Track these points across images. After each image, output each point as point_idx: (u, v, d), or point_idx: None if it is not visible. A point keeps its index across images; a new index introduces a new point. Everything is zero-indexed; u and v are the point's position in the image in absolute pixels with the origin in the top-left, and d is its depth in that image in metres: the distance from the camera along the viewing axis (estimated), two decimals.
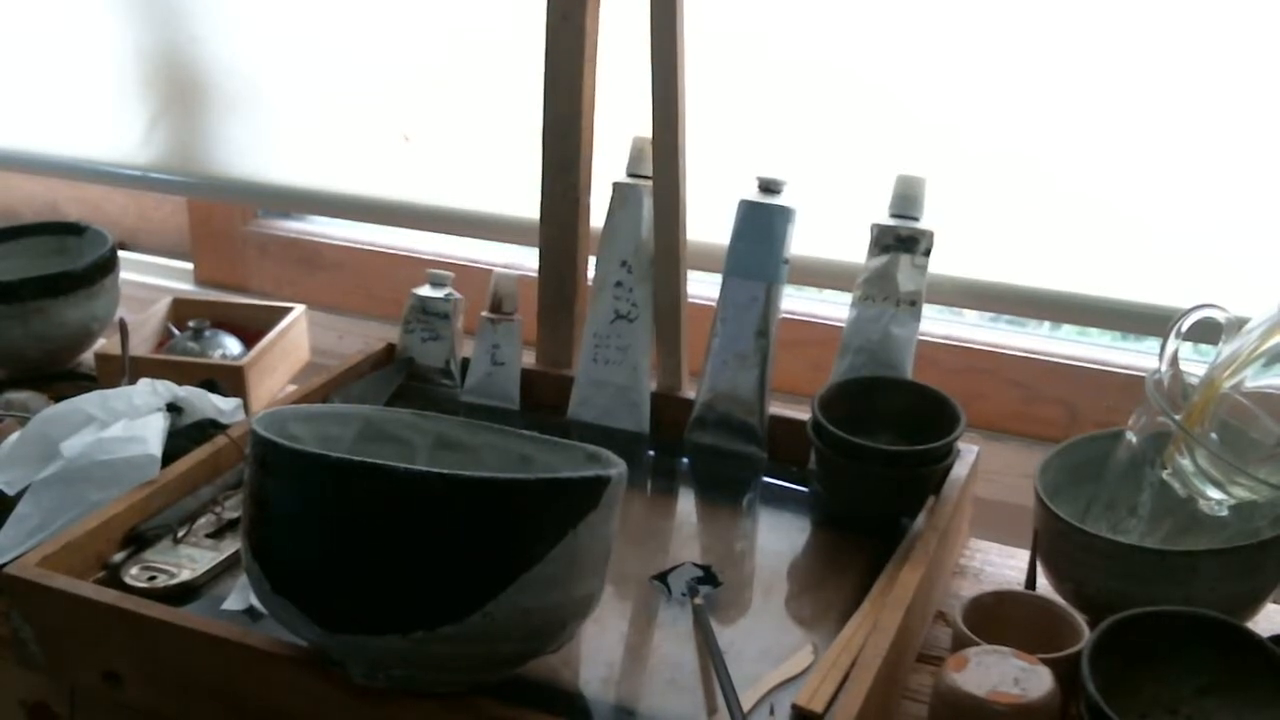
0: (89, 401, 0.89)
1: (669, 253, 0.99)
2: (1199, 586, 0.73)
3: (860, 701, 0.63)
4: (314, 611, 0.62)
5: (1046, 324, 1.14)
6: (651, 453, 0.99)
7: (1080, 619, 0.73)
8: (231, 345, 1.17)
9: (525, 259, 1.20)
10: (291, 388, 1.15)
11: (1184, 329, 0.80)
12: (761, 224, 0.95)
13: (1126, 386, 1.05)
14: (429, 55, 1.21)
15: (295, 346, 1.19)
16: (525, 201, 1.05)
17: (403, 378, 1.05)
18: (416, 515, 0.60)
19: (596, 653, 0.74)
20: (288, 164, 1.33)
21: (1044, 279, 1.03)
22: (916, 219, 0.93)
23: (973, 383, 1.11)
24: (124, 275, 1.23)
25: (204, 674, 0.70)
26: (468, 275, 1.15)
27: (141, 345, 1.16)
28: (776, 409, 0.97)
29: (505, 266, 1.14)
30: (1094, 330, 1.13)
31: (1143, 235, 0.99)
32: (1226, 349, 0.79)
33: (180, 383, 0.94)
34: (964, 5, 0.98)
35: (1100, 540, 0.76)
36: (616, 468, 0.66)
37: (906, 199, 0.94)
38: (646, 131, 0.97)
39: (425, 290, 1.06)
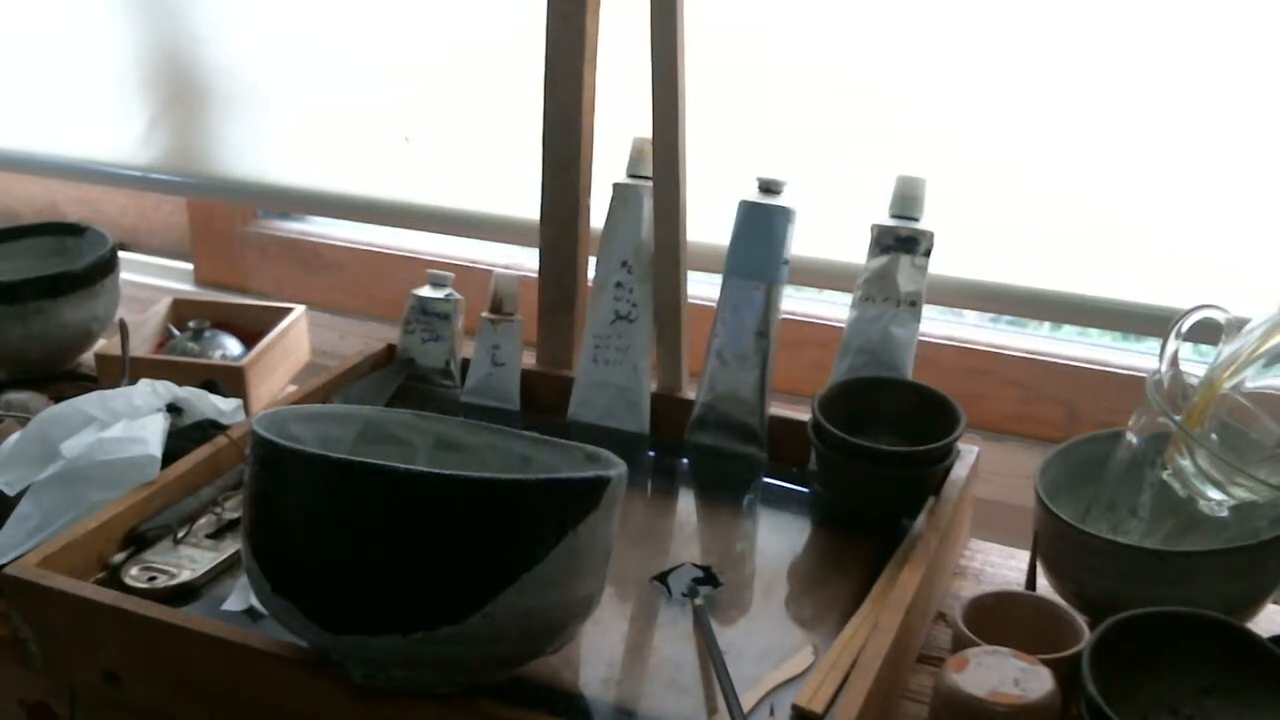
0: (89, 402, 0.89)
1: (669, 253, 0.99)
2: (1199, 587, 0.73)
3: (860, 702, 0.63)
4: (314, 611, 0.62)
5: (1047, 324, 1.14)
6: (652, 453, 0.99)
7: (1080, 620, 0.73)
8: (231, 346, 1.17)
9: (525, 259, 1.20)
10: (291, 388, 1.15)
11: (1184, 329, 0.80)
12: (762, 224, 0.95)
13: (1127, 387, 1.05)
14: (429, 55, 1.21)
15: (295, 347, 1.19)
16: (525, 202, 1.05)
17: (403, 378, 1.05)
18: (416, 515, 0.60)
19: (597, 653, 0.74)
20: (288, 164, 1.33)
21: (1044, 279, 1.03)
22: (917, 219, 0.93)
23: (973, 383, 1.11)
24: (124, 275, 1.23)
25: (204, 674, 0.70)
26: (468, 276, 1.15)
27: (141, 346, 1.16)
28: (777, 409, 0.97)
29: (505, 267, 1.14)
30: (1094, 331, 1.13)
31: (1143, 236, 0.99)
32: (1226, 349, 0.79)
33: (180, 383, 0.94)
34: (965, 5, 0.98)
35: (1100, 541, 0.76)
36: (616, 468, 0.66)
37: (907, 199, 0.94)
38: (646, 132, 0.97)
39: (425, 291, 1.06)
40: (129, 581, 0.77)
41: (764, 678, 0.71)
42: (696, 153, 0.98)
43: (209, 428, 0.92)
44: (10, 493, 0.84)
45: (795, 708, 0.67)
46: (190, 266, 1.48)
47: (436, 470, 0.60)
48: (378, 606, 0.61)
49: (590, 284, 1.03)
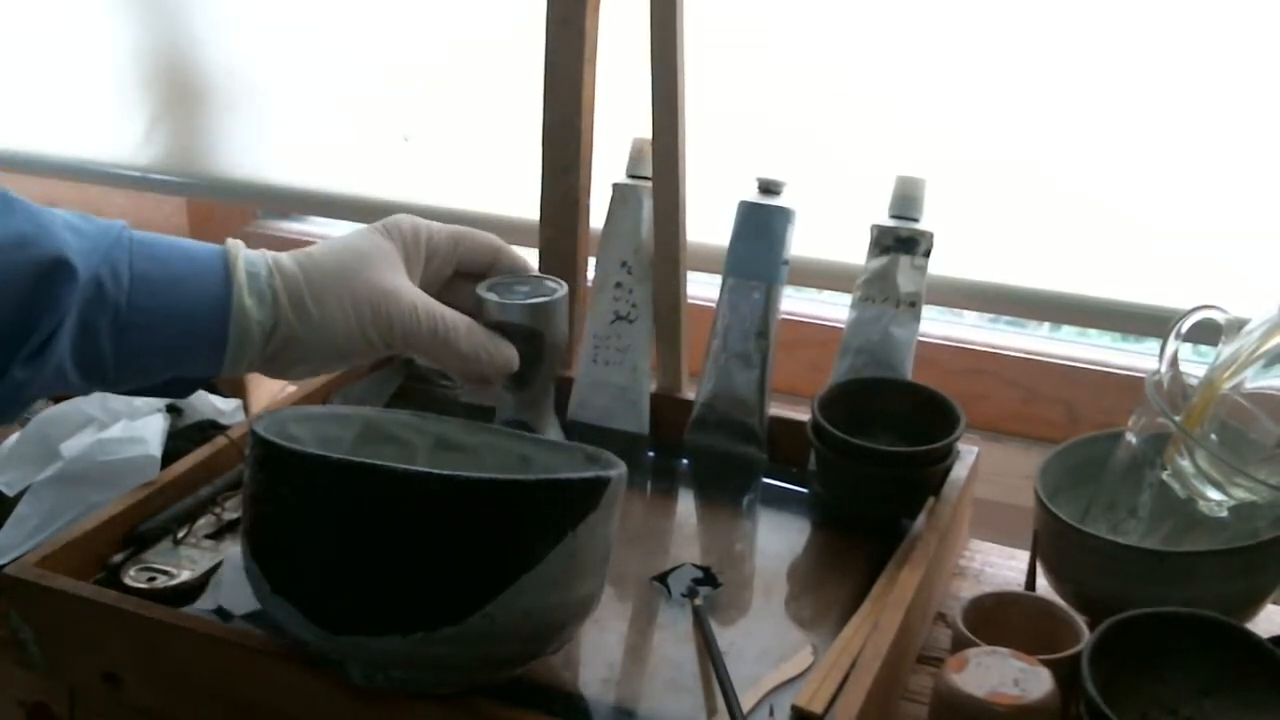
0: (89, 402, 0.89)
1: (669, 253, 0.99)
2: (1199, 587, 0.73)
3: (860, 702, 0.63)
4: (314, 612, 0.62)
5: (1046, 325, 1.14)
6: (651, 453, 0.99)
7: (1080, 620, 0.73)
8: None
9: (527, 259, 1.20)
10: (291, 389, 1.15)
11: (1184, 330, 0.80)
12: (761, 225, 0.95)
13: (1126, 387, 1.05)
14: (429, 55, 1.21)
15: None
16: (525, 202, 1.05)
17: (402, 378, 1.05)
18: (416, 516, 0.60)
19: (596, 654, 0.74)
20: (288, 164, 1.33)
21: (1044, 280, 1.03)
22: (916, 220, 0.93)
23: (973, 383, 1.11)
24: None
25: (203, 675, 0.70)
26: None
27: None
28: (776, 410, 0.97)
29: None
30: (1094, 331, 1.13)
31: (1143, 236, 0.99)
32: (1226, 350, 0.79)
33: None
34: (965, 6, 0.98)
35: (1100, 541, 0.76)
36: (616, 468, 0.66)
37: (906, 200, 0.93)
38: (646, 132, 0.97)
39: None
40: (128, 582, 0.77)
41: (763, 678, 0.71)
42: (696, 153, 0.98)
43: (208, 428, 0.92)
44: (10, 493, 0.84)
45: (795, 708, 0.67)
46: None
47: (436, 470, 0.60)
48: (377, 607, 0.61)
49: (590, 284, 1.03)
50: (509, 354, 0.72)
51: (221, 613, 0.75)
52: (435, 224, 0.73)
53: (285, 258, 0.68)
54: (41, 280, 0.59)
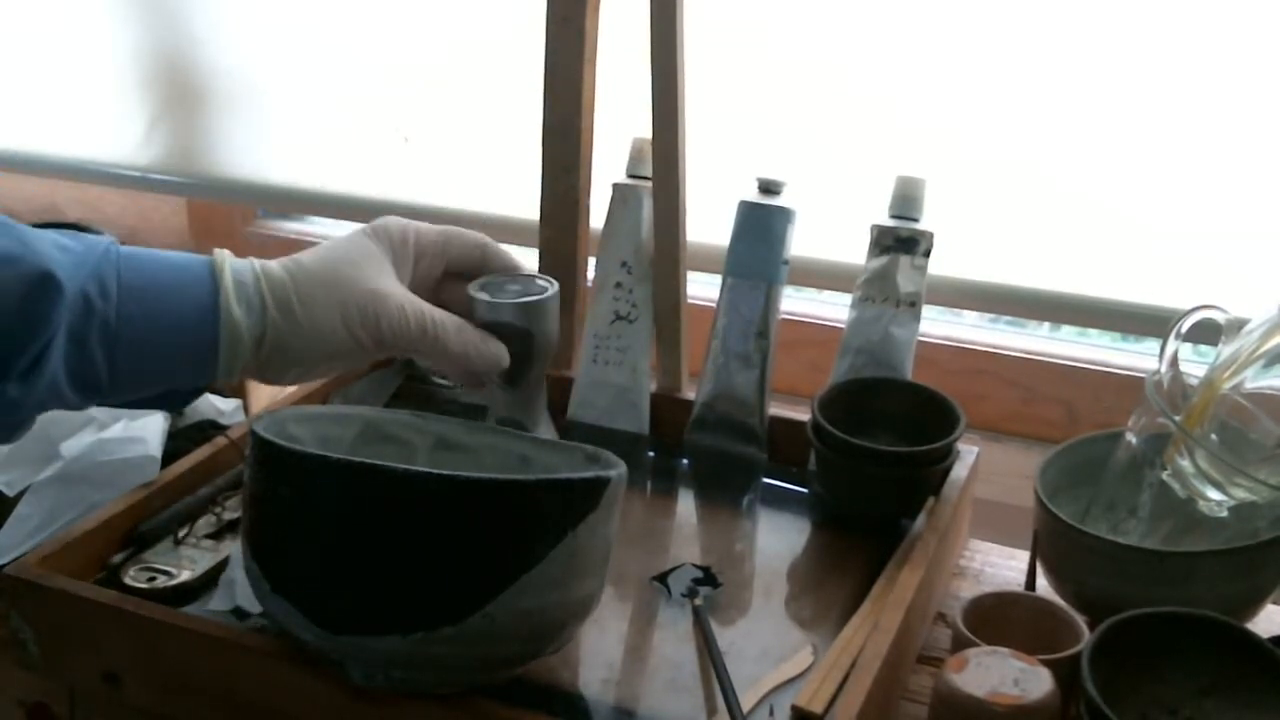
0: None
1: (669, 253, 0.99)
2: (1199, 587, 0.73)
3: (860, 702, 0.63)
4: (314, 612, 0.62)
5: (1046, 325, 1.14)
6: (651, 453, 0.99)
7: (1080, 620, 0.73)
8: None
9: (525, 260, 1.20)
10: (291, 389, 1.15)
11: (1184, 330, 0.80)
12: (761, 225, 0.95)
13: (1126, 387, 1.05)
14: (429, 55, 1.21)
15: None
16: (525, 202, 1.05)
17: (402, 378, 1.05)
18: (416, 515, 0.60)
19: (596, 654, 0.74)
20: (288, 164, 1.33)
21: (1044, 280, 1.03)
22: (916, 220, 0.93)
23: (972, 383, 1.11)
24: None
25: (203, 675, 0.70)
26: None
27: None
28: (776, 410, 0.97)
29: None
30: (1094, 331, 1.13)
31: (1143, 236, 0.99)
32: (1226, 350, 0.79)
33: None
34: (965, 7, 0.98)
35: (1100, 541, 0.76)
36: (616, 468, 0.66)
37: (906, 200, 0.94)
38: (646, 132, 0.97)
39: None
40: (128, 581, 0.77)
41: (763, 678, 0.71)
42: (696, 153, 0.98)
43: (208, 428, 0.92)
44: (10, 493, 0.84)
45: (795, 708, 0.68)
46: None
47: (436, 470, 0.60)
48: (377, 607, 0.61)
49: (590, 284, 1.03)
50: (498, 352, 0.72)
51: (239, 612, 0.75)
52: (423, 225, 0.74)
53: (273, 264, 0.68)
54: (29, 297, 0.59)
